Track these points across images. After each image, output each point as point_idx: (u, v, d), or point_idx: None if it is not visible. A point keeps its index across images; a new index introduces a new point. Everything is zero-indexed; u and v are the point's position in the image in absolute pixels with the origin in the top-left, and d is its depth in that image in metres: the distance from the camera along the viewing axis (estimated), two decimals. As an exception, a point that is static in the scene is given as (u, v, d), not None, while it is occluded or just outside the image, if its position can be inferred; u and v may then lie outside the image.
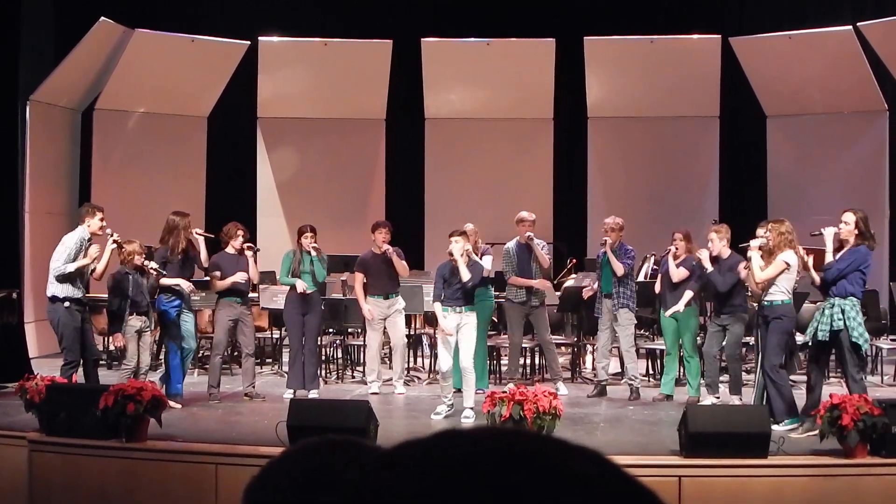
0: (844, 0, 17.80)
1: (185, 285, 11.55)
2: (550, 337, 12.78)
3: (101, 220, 11.09)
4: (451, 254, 11.04)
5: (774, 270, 10.10)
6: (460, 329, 10.99)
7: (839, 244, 9.95)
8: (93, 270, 11.24)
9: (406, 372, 13.10)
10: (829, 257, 9.86)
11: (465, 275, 10.92)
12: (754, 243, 10.44)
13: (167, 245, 11.71)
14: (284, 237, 15.62)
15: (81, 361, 11.07)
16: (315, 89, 18.36)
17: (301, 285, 12.15)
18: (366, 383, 12.79)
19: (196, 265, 11.95)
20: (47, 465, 9.09)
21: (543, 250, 12.49)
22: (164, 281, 11.46)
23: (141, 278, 11.26)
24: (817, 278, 10.13)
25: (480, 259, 12.49)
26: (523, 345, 13.05)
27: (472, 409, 10.71)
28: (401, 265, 12.39)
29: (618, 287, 12.22)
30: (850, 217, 9.87)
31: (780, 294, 10.16)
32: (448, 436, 1.02)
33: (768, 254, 10.25)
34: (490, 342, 13.37)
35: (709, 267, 11.22)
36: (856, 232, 9.82)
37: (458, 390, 12.01)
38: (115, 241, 11.04)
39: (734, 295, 11.20)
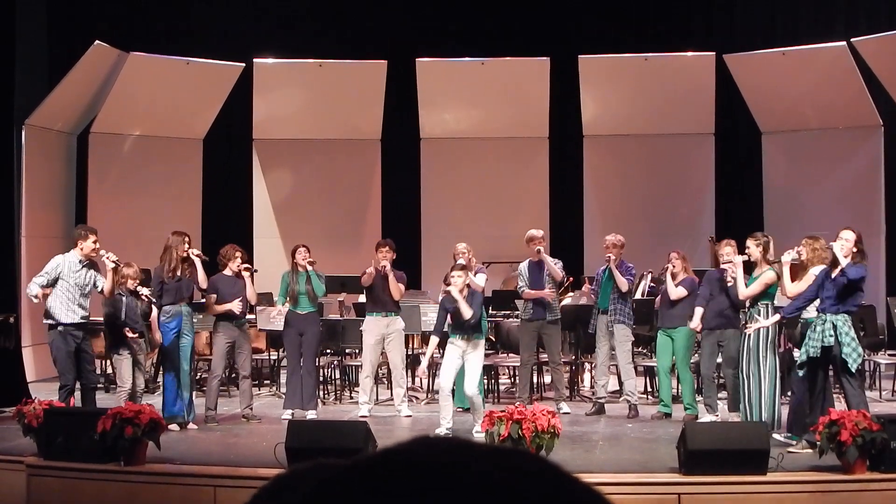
0: (837, 15, 17.86)
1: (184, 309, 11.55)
2: (561, 358, 12.74)
3: (94, 241, 11.08)
4: (448, 292, 11.04)
5: (806, 285, 10.12)
6: (467, 356, 11.00)
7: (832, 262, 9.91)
8: (101, 291, 11.20)
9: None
10: (843, 261, 9.78)
11: (467, 313, 10.90)
12: (786, 258, 10.45)
13: (163, 264, 11.71)
14: (281, 258, 15.59)
15: (80, 386, 11.05)
16: (310, 110, 18.38)
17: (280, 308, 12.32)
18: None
19: (195, 286, 11.92)
20: (46, 489, 9.07)
21: (557, 266, 12.48)
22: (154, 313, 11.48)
23: (135, 301, 11.25)
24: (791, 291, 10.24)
25: (475, 276, 12.51)
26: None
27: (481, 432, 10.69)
28: (395, 286, 12.32)
29: (616, 303, 12.23)
30: (850, 234, 9.84)
31: (815, 310, 10.17)
32: (386, 451, 1.05)
33: (802, 268, 10.27)
34: (487, 361, 13.34)
35: (738, 276, 11.14)
36: (854, 250, 9.79)
37: (461, 408, 12.02)
38: (112, 262, 11.01)
39: (733, 311, 11.20)
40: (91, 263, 11.16)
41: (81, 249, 11.06)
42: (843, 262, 9.72)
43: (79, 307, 11.03)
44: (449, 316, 11.10)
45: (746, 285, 10.70)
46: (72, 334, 10.90)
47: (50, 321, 10.98)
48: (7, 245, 14.41)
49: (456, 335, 11.08)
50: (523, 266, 12.74)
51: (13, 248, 14.80)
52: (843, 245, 9.79)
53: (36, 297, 11.01)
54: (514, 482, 1.00)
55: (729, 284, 11.19)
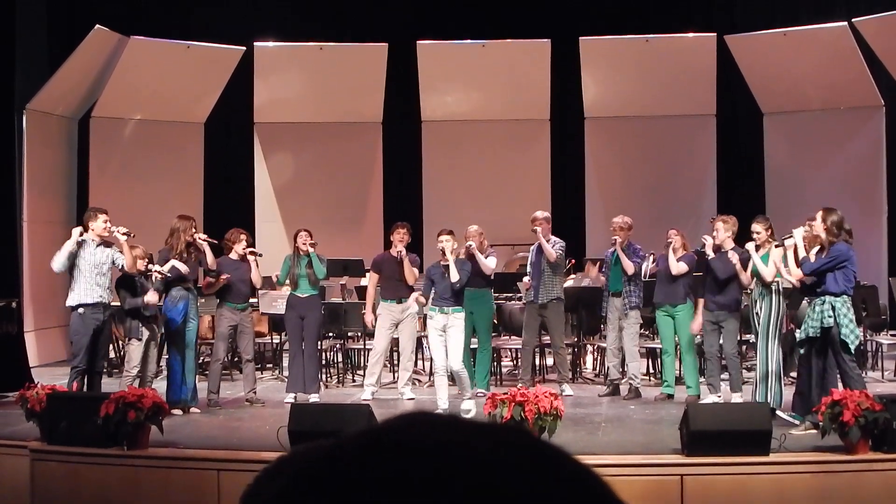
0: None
1: (182, 266, 11.50)
2: (562, 341, 12.74)
3: (105, 220, 11.10)
4: (443, 252, 11.15)
5: None
6: (447, 331, 11.10)
7: (819, 244, 9.87)
8: (122, 267, 11.19)
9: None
10: (801, 253, 9.87)
11: (455, 276, 11.04)
12: (789, 242, 10.42)
13: (169, 246, 11.71)
14: (283, 242, 15.60)
15: (89, 370, 11.04)
16: (311, 94, 18.36)
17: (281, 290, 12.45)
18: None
19: (203, 269, 11.93)
20: (49, 474, 9.08)
21: (555, 247, 12.44)
22: (167, 266, 11.41)
23: (146, 283, 11.26)
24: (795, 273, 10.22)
25: (486, 259, 12.51)
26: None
27: (470, 399, 11.06)
28: (409, 270, 12.27)
29: (628, 286, 12.24)
30: (818, 214, 9.85)
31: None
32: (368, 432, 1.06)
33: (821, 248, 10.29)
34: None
35: (710, 253, 11.24)
36: (824, 227, 9.75)
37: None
38: (123, 234, 11.02)
39: (729, 289, 11.19)
40: (105, 243, 11.15)
41: (93, 230, 11.08)
42: (801, 251, 9.80)
43: (97, 286, 11.00)
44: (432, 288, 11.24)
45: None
46: (92, 316, 10.90)
47: (70, 303, 11.01)
48: (8, 230, 14.42)
49: (434, 309, 11.19)
50: (532, 247, 12.78)
51: (14, 234, 14.80)
52: (813, 226, 9.81)
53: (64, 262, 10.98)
54: (506, 462, 1.01)
55: (709, 258, 11.25)
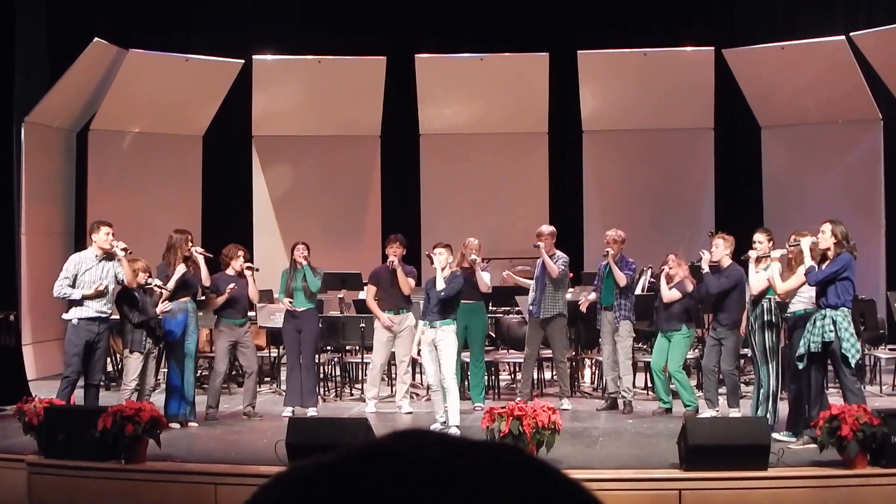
0: (836, 10, 17.83)
1: (181, 269, 11.54)
2: (564, 354, 12.72)
3: (108, 233, 11.09)
4: (431, 260, 11.13)
5: (797, 283, 10.12)
6: (437, 345, 11.01)
7: (821, 256, 9.86)
8: (122, 282, 11.18)
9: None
10: (808, 262, 9.83)
11: (440, 284, 10.98)
12: (775, 254, 10.42)
13: (167, 261, 11.72)
14: (281, 254, 15.60)
15: (84, 384, 11.04)
16: (309, 106, 18.37)
17: (285, 303, 12.29)
18: (364, 401, 12.77)
19: (198, 284, 11.93)
20: (46, 487, 9.07)
21: (559, 262, 12.46)
22: (171, 284, 11.42)
23: (146, 297, 11.25)
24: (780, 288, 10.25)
25: (481, 273, 12.54)
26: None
27: (457, 426, 10.78)
28: (404, 281, 12.36)
29: (619, 299, 12.23)
30: (826, 227, 9.83)
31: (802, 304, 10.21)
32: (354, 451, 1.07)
33: (788, 268, 10.29)
34: (487, 357, 13.34)
35: (705, 268, 11.25)
36: (834, 241, 9.74)
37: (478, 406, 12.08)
38: (121, 250, 11.03)
39: (729, 307, 11.19)
40: (108, 256, 11.14)
41: (96, 242, 11.10)
42: (808, 262, 9.77)
43: (97, 300, 11.00)
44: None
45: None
46: (86, 328, 10.90)
47: (66, 315, 11.02)
48: (7, 242, 14.41)
49: (424, 324, 11.14)
50: (537, 262, 12.81)
51: (13, 246, 14.79)
52: (820, 237, 9.79)
53: (83, 296, 10.97)
54: (504, 470, 1.02)
55: (704, 271, 11.28)
